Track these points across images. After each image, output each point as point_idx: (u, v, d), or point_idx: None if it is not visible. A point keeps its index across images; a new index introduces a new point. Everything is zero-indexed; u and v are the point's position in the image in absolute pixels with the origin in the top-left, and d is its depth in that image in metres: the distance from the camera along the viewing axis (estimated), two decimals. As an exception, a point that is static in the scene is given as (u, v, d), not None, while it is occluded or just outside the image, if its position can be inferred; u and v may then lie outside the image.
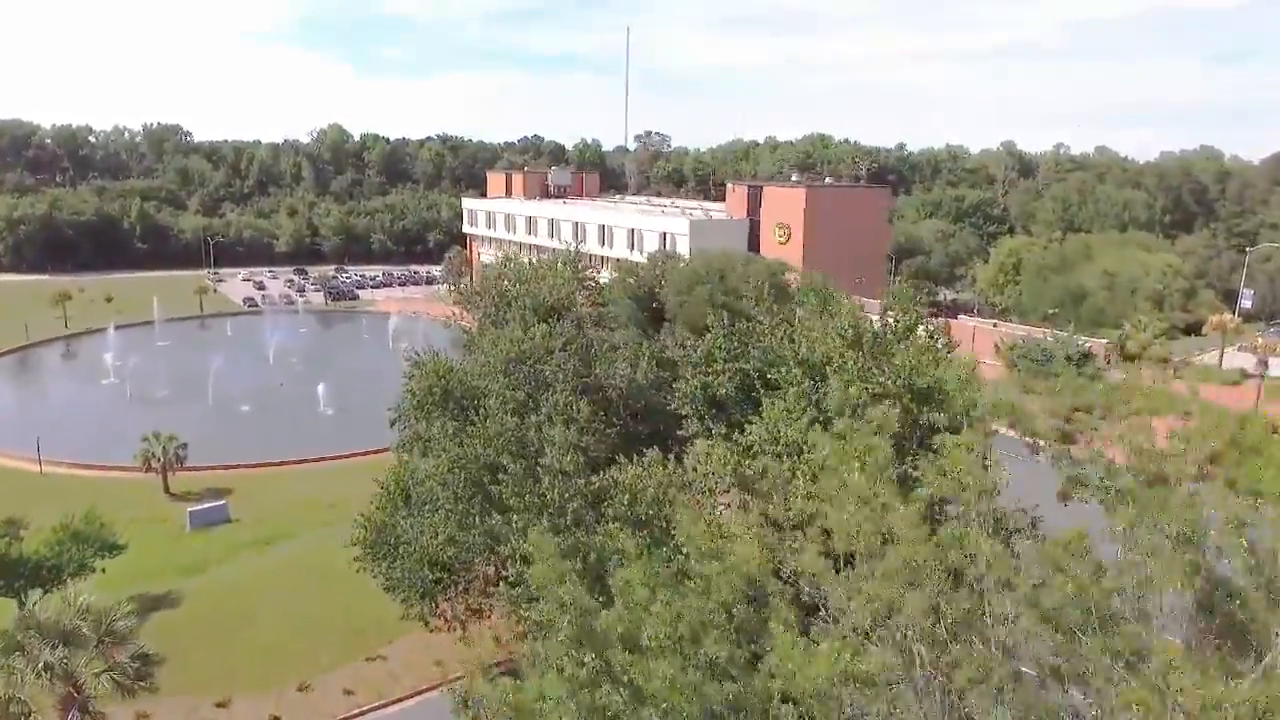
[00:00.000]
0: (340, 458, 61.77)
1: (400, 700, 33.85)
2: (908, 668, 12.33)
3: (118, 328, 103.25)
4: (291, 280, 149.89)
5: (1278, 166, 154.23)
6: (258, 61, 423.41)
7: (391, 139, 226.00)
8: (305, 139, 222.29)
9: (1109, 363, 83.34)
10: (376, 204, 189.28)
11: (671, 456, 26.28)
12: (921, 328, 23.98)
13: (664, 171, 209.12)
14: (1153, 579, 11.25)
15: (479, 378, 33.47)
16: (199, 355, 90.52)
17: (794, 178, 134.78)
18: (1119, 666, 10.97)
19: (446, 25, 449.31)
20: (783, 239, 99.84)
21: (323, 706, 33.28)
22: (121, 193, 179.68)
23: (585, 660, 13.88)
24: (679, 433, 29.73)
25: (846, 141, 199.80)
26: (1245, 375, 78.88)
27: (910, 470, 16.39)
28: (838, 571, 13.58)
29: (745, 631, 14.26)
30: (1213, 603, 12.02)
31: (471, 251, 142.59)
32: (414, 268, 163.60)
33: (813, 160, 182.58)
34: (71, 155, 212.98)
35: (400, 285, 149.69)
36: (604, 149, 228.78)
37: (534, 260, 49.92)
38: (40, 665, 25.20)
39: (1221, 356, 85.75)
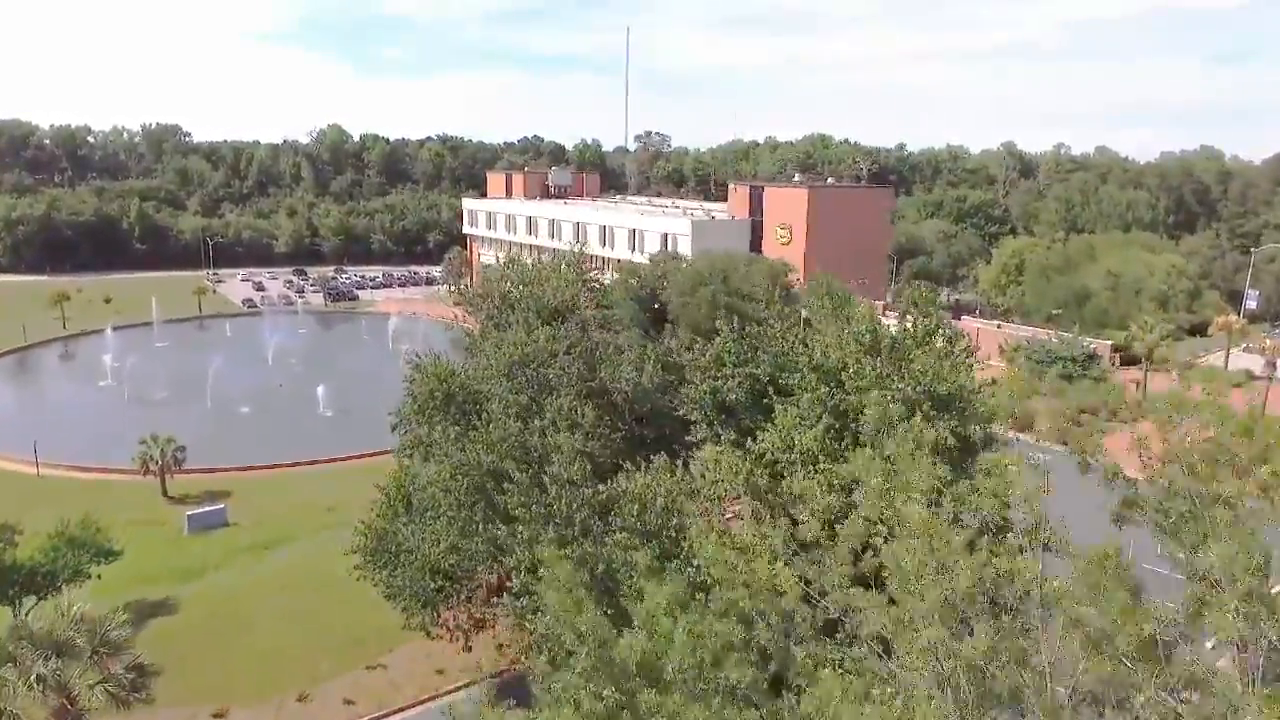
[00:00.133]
0: (340, 460, 61.25)
1: (402, 710, 33.23)
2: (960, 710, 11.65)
3: (115, 329, 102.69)
4: (291, 281, 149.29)
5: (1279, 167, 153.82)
6: (257, 61, 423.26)
7: (391, 139, 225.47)
8: (305, 139, 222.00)
9: (1114, 364, 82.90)
10: (376, 204, 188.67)
11: (679, 463, 25.68)
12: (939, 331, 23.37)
13: (664, 172, 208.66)
14: (1216, 610, 10.63)
15: (481, 381, 32.91)
16: (198, 356, 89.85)
17: (796, 178, 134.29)
18: (1174, 697, 10.40)
19: (446, 25, 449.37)
20: (785, 240, 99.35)
21: (322, 717, 32.69)
22: (120, 193, 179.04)
23: (604, 694, 13.25)
24: (686, 438, 29.14)
25: (846, 142, 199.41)
26: (1251, 377, 78.37)
27: (946, 488, 15.67)
28: (866, 588, 13.00)
29: (767, 654, 13.67)
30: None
31: (471, 252, 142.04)
32: (414, 268, 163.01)
33: (813, 160, 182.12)
34: (70, 155, 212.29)
35: (400, 286, 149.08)
36: (604, 149, 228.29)
37: (537, 261, 49.38)
38: (33, 677, 24.62)
39: (1227, 358, 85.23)
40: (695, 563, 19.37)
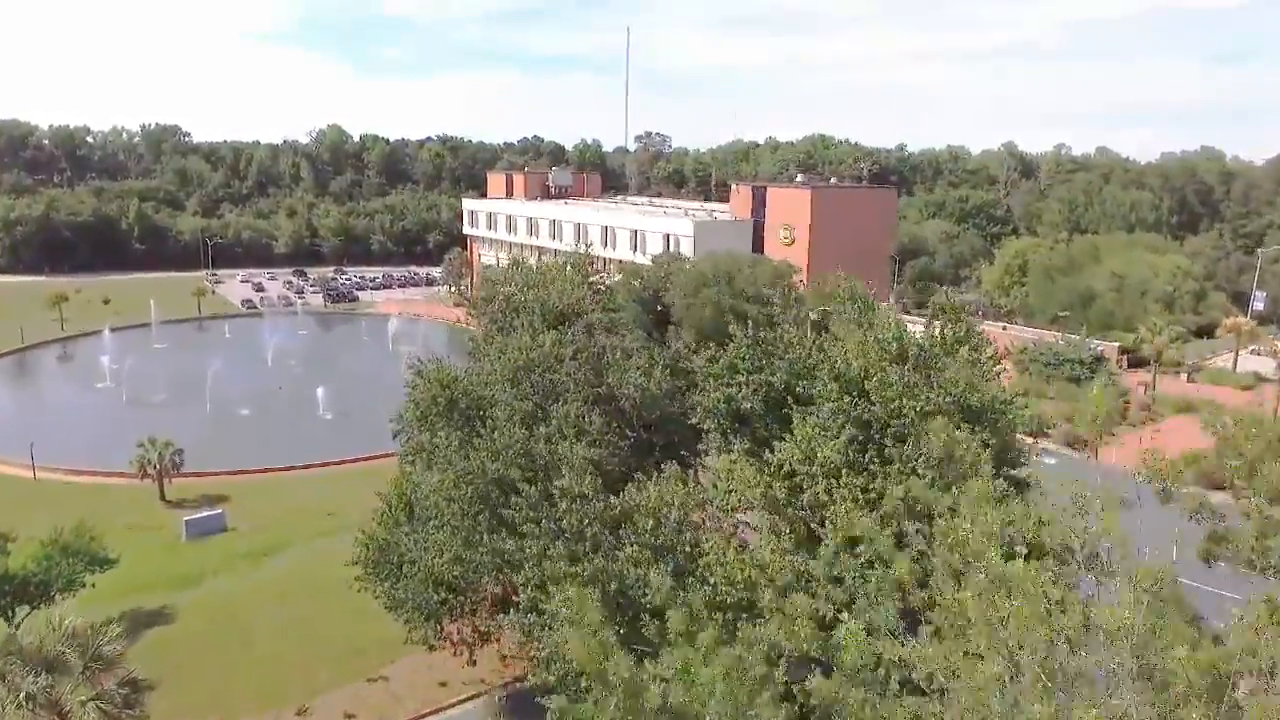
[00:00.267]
0: (340, 464, 60.50)
1: (403, 723, 32.52)
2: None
3: (114, 330, 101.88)
4: (290, 282, 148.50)
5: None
6: (257, 61, 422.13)
7: (391, 139, 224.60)
8: (304, 139, 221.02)
9: (1121, 366, 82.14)
10: (376, 205, 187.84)
11: (692, 472, 24.87)
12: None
13: (664, 172, 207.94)
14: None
15: (485, 386, 32.12)
16: (196, 358, 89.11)
17: (799, 178, 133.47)
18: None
19: (446, 25, 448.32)
20: (787, 240, 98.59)
21: (322, 730, 31.96)
22: (119, 193, 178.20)
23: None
24: (697, 446, 28.31)
25: (846, 142, 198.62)
26: (1260, 379, 77.71)
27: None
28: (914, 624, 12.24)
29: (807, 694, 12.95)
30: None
31: (472, 253, 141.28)
32: (414, 269, 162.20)
33: (813, 161, 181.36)
34: (69, 155, 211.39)
35: (400, 287, 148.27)
36: (604, 149, 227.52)
37: (540, 262, 48.58)
38: (22, 695, 23.75)
39: (1236, 360, 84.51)
40: (711, 580, 18.65)
